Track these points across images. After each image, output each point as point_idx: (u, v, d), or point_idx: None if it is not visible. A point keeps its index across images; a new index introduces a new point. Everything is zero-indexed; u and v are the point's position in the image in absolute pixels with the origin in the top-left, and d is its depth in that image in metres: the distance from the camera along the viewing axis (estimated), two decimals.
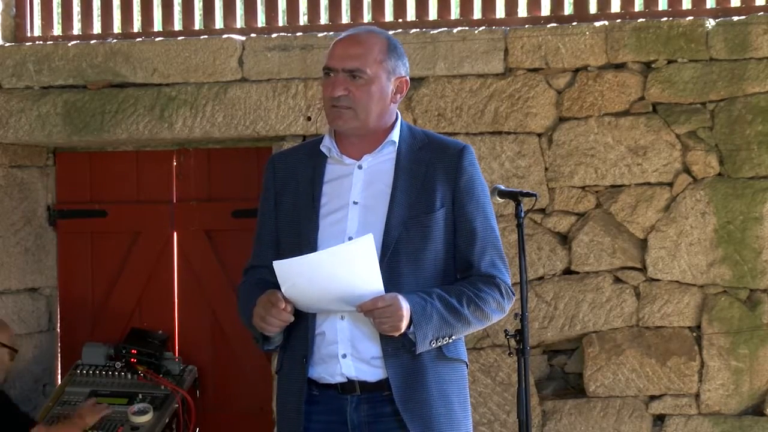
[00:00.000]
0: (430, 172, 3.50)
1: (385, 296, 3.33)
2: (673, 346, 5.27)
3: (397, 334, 3.35)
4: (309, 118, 5.53)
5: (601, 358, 5.33)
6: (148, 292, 6.05)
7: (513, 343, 3.66)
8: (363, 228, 3.44)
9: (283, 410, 3.56)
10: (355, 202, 3.49)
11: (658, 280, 5.30)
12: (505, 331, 3.67)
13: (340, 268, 3.32)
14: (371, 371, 3.44)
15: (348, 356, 3.43)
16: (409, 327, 3.35)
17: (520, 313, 3.64)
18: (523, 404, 3.63)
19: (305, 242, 3.47)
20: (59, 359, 6.15)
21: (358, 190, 3.50)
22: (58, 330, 6.16)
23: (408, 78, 3.56)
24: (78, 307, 6.14)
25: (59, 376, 6.09)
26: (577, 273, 5.37)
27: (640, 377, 5.30)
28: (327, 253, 3.35)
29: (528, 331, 3.64)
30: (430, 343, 3.40)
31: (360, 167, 3.53)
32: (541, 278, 5.39)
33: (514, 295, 3.57)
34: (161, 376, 5.70)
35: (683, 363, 5.27)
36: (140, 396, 5.63)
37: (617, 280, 5.34)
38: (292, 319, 3.40)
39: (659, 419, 5.32)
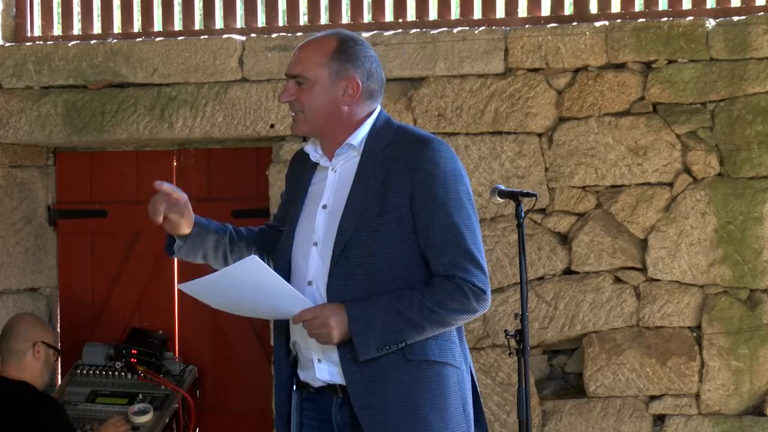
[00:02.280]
0: (392, 172, 3.43)
1: (312, 308, 3.36)
2: (673, 346, 5.27)
3: (332, 344, 3.37)
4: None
5: (601, 358, 5.32)
6: (148, 292, 6.04)
7: (513, 343, 3.67)
8: (326, 232, 3.46)
9: (277, 403, 3.62)
10: (324, 206, 3.50)
11: (658, 280, 5.30)
12: (505, 331, 3.67)
13: (242, 286, 3.35)
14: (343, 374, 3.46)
15: (322, 361, 3.46)
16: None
17: (520, 313, 3.64)
18: (523, 404, 3.64)
19: (285, 242, 3.54)
20: (59, 359, 6.13)
21: (329, 194, 3.51)
22: (59, 330, 6.15)
23: (359, 80, 3.46)
24: (78, 307, 6.14)
25: (59, 376, 6.08)
26: (577, 273, 5.37)
27: (640, 377, 5.29)
28: (220, 274, 3.40)
29: (528, 331, 3.65)
30: (377, 349, 3.37)
31: (334, 170, 3.53)
32: (541, 278, 5.39)
33: (486, 293, 3.42)
34: (161, 376, 5.70)
35: (683, 363, 5.26)
36: (140, 396, 5.63)
37: (617, 280, 5.34)
38: (179, 219, 3.57)
39: (659, 419, 5.32)
